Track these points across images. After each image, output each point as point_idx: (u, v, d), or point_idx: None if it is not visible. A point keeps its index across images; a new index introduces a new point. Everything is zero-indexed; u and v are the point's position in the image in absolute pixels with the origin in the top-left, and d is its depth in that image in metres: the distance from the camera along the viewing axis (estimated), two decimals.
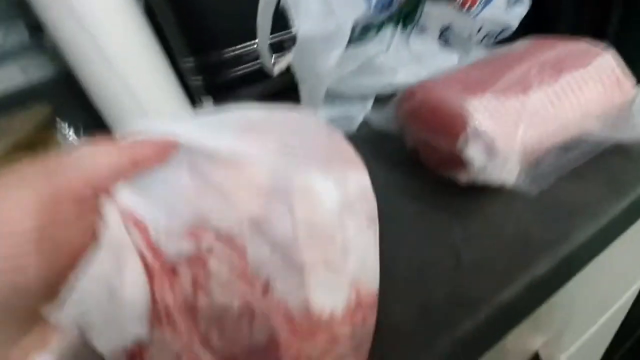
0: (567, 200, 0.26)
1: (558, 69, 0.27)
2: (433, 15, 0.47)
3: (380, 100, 0.49)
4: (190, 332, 0.15)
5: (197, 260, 0.15)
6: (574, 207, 0.25)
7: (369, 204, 0.18)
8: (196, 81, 0.59)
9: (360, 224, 0.18)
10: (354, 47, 0.44)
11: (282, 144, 0.18)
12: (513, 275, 0.22)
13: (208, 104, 0.61)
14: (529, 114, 0.25)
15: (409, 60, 0.48)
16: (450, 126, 0.26)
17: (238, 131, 0.18)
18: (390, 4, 0.38)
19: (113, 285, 0.14)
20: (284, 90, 0.60)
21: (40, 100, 0.62)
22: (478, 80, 0.28)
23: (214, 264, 0.15)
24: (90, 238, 0.14)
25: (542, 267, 0.22)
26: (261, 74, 0.58)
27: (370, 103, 0.47)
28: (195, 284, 0.15)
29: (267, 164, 0.17)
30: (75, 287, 0.13)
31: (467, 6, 0.43)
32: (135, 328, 0.14)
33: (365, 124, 0.41)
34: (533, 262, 0.22)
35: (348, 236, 0.17)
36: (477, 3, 0.42)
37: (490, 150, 0.24)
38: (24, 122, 0.55)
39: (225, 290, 0.15)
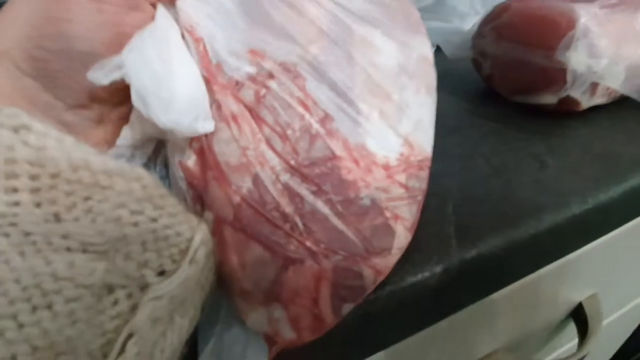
0: None
1: None
2: None
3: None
4: (255, 134, 0.15)
5: (260, 81, 0.15)
6: None
7: (428, 75, 0.18)
8: None
9: (419, 89, 0.18)
10: None
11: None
12: (606, 183, 0.21)
13: None
14: (638, 30, 0.24)
15: (481, 10, 0.46)
16: (552, 33, 0.24)
17: None
18: None
19: (162, 73, 0.14)
20: None
21: None
22: None
23: (275, 86, 0.15)
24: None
25: (636, 180, 0.21)
26: None
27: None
28: (258, 98, 0.15)
29: (330, 11, 0.17)
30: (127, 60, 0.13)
31: None
32: (196, 121, 0.14)
33: (436, 54, 0.40)
34: (627, 175, 0.21)
35: (405, 97, 0.17)
36: None
37: (597, 52, 0.22)
38: None
39: (286, 111, 0.15)
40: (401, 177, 0.16)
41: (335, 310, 0.14)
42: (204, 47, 0.15)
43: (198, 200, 0.15)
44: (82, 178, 0.09)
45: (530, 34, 0.27)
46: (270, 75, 0.15)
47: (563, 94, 0.25)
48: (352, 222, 0.15)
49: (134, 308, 0.10)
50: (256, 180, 0.14)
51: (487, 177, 0.22)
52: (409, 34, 0.18)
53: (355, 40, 0.17)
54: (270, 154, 0.15)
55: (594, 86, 0.24)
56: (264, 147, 0.15)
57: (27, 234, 0.08)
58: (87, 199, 0.09)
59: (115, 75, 0.13)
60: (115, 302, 0.10)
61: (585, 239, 0.21)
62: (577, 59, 0.23)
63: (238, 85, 0.15)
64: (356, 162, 0.15)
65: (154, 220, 0.11)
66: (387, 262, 0.15)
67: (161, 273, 0.11)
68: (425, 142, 0.17)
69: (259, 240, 0.14)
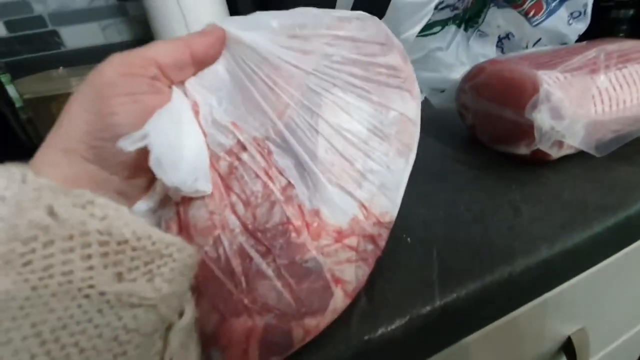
0: (622, 178, 0.27)
1: (624, 59, 0.29)
2: (494, 23, 0.50)
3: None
4: (222, 200, 0.17)
5: (234, 152, 0.18)
6: (629, 183, 0.27)
7: (406, 133, 0.20)
8: None
9: (388, 152, 0.19)
10: (419, 39, 0.47)
11: (325, 54, 0.19)
12: (572, 229, 0.23)
13: None
14: (594, 92, 0.27)
15: (467, 60, 0.51)
16: (520, 95, 0.28)
17: (286, 34, 0.19)
18: None
19: (174, 142, 0.17)
20: None
21: None
22: (547, 60, 0.30)
23: (245, 158, 0.18)
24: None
25: (600, 226, 0.24)
26: None
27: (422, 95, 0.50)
28: (231, 170, 0.18)
29: (302, 76, 0.19)
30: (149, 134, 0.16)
31: (531, 14, 0.45)
32: (196, 181, 0.17)
33: (425, 103, 0.44)
34: (592, 221, 0.24)
35: (368, 164, 0.19)
36: (542, 12, 0.44)
37: (558, 114, 0.26)
38: None
39: (252, 180, 0.18)
40: (352, 241, 0.18)
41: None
42: (199, 120, 0.18)
43: None
44: (146, 246, 0.12)
45: (502, 93, 0.30)
46: (243, 148, 0.18)
47: (534, 147, 0.28)
48: (290, 283, 0.16)
49: (165, 342, 0.12)
50: (216, 241, 0.17)
51: (467, 223, 0.25)
52: (389, 94, 0.20)
53: (325, 107, 0.19)
54: (232, 219, 0.17)
55: (560, 141, 0.27)
56: (228, 212, 0.17)
57: (102, 294, 0.11)
58: (147, 263, 0.12)
59: (140, 144, 0.16)
60: (155, 341, 0.12)
61: (556, 280, 0.24)
62: (541, 119, 0.26)
63: (215, 157, 0.18)
64: (308, 226, 0.17)
65: (189, 279, 0.14)
66: (319, 322, 0.17)
67: (181, 314, 0.13)
68: (386, 205, 0.19)
69: (206, 295, 0.16)
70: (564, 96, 0.26)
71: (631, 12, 0.58)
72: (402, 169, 0.20)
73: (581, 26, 0.46)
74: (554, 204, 0.26)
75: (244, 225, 0.17)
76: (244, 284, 0.16)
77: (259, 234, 0.17)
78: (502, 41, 0.53)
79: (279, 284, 0.16)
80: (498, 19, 0.50)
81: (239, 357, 0.16)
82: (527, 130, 0.28)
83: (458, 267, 0.21)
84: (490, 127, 0.33)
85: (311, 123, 0.18)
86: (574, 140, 0.25)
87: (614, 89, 0.28)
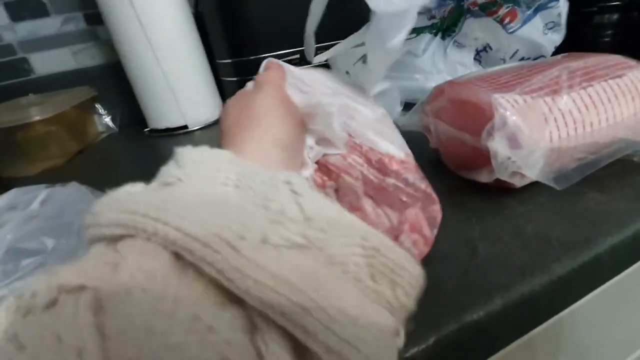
0: (591, 208, 0.25)
1: (590, 77, 0.27)
2: (472, 35, 0.49)
3: (409, 105, 0.50)
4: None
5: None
6: (598, 215, 0.24)
7: (391, 124, 0.30)
8: (231, 80, 0.62)
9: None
10: None
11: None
12: (530, 272, 0.21)
13: None
14: (556, 115, 0.25)
15: (444, 67, 0.49)
16: (477, 120, 0.26)
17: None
18: None
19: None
20: None
21: (85, 85, 0.66)
22: (507, 80, 0.28)
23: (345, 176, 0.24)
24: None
25: (562, 268, 0.21)
26: None
27: (399, 105, 0.48)
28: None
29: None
30: None
31: (507, 20, 0.44)
32: None
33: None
34: (553, 262, 0.21)
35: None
36: (517, 19, 0.43)
37: (515, 142, 0.24)
38: (70, 97, 0.58)
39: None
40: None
41: (431, 232, 0.23)
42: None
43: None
44: (392, 255, 0.13)
45: (460, 118, 0.28)
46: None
47: (494, 177, 0.26)
48: (409, 192, 0.24)
49: None
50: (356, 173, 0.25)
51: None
52: (369, 101, 0.31)
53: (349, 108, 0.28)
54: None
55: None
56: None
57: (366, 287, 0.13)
58: (392, 272, 0.13)
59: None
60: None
61: (514, 332, 0.21)
62: (497, 148, 0.24)
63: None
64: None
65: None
66: (438, 208, 0.24)
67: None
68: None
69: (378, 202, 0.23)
70: (522, 122, 0.24)
71: (615, 16, 0.57)
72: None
73: (557, 37, 0.44)
74: (515, 242, 0.23)
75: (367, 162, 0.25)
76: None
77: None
78: (480, 54, 0.51)
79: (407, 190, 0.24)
80: (475, 30, 0.48)
81: (418, 232, 0.22)
82: (487, 157, 0.26)
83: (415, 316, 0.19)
84: (453, 152, 0.31)
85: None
86: (532, 171, 0.23)
87: (579, 111, 0.26)
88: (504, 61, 0.50)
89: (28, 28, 0.64)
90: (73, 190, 0.29)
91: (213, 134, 0.60)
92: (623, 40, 0.55)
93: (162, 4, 0.54)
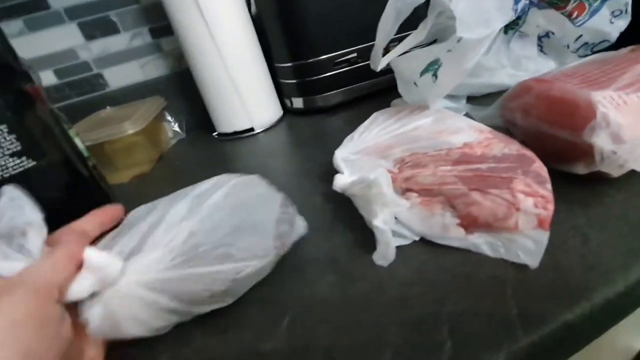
0: None
1: None
2: (534, 22, 0.49)
3: (476, 98, 0.52)
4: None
5: None
6: None
7: None
8: (290, 82, 0.65)
9: None
10: None
11: None
12: None
13: (297, 103, 0.67)
14: None
15: (507, 63, 0.50)
16: (573, 116, 0.28)
17: None
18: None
19: None
20: (365, 94, 0.64)
21: (153, 95, 0.71)
22: (596, 77, 0.30)
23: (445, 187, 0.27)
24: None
25: None
26: (347, 79, 0.63)
27: (464, 100, 0.50)
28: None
29: None
30: None
31: (574, 15, 0.44)
32: None
33: None
34: None
35: None
36: (585, 12, 0.43)
37: (618, 137, 0.26)
38: (147, 108, 0.63)
39: None
40: None
41: (545, 188, 0.26)
42: None
43: None
44: None
45: (554, 114, 0.30)
46: None
47: (594, 169, 0.28)
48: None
49: None
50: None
51: None
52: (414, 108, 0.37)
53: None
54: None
55: None
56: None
57: None
58: None
59: None
60: None
61: (634, 309, 0.24)
62: (601, 144, 0.26)
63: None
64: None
65: None
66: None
67: None
68: None
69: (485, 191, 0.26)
70: (622, 118, 0.26)
71: None
72: None
73: (622, 23, 0.45)
74: (622, 227, 0.26)
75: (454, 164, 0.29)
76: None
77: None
78: (542, 40, 0.52)
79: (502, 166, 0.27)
80: (538, 19, 0.49)
81: (534, 195, 0.25)
82: (585, 151, 0.28)
83: (535, 304, 0.22)
84: (543, 146, 0.33)
85: None
86: (637, 164, 0.25)
87: None
88: (567, 47, 0.50)
89: (101, 46, 0.69)
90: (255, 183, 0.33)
91: (275, 135, 0.64)
92: None
93: (229, 14, 0.58)
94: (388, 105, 0.46)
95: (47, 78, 0.68)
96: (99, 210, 0.27)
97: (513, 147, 0.29)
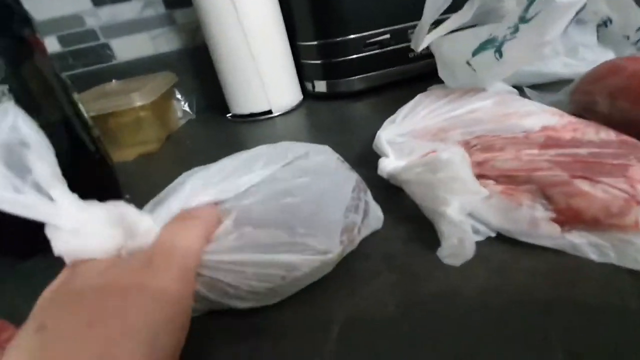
0: None
1: None
2: (592, 8, 0.45)
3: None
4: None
5: None
6: None
7: None
8: (314, 63, 0.60)
9: None
10: None
11: None
12: None
13: (320, 86, 0.62)
14: None
15: (562, 51, 0.46)
16: None
17: None
18: None
19: None
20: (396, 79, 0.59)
21: (162, 71, 0.66)
22: None
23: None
24: None
25: None
26: (376, 63, 0.58)
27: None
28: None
29: None
30: None
31: None
32: None
33: None
34: None
35: None
36: None
37: None
38: (157, 83, 0.58)
39: None
40: None
41: None
42: None
43: None
44: None
45: None
46: None
47: None
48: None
49: None
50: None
51: None
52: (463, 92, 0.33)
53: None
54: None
55: None
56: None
57: None
58: None
59: None
60: None
61: None
62: None
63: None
64: None
65: None
66: None
67: None
68: None
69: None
70: None
71: None
72: None
73: None
74: None
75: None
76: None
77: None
78: (598, 29, 0.47)
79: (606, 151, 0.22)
80: (599, 4, 0.44)
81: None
82: None
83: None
84: (635, 135, 0.28)
85: None
86: None
87: None
88: (628, 38, 0.46)
89: (110, 13, 0.64)
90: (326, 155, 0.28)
91: (293, 119, 0.58)
92: None
93: None
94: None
95: (50, 45, 0.63)
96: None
97: (610, 133, 0.24)
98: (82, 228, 0.16)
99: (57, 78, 0.31)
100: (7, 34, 0.27)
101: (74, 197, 0.17)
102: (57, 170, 0.17)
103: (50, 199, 0.16)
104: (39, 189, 0.16)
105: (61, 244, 0.16)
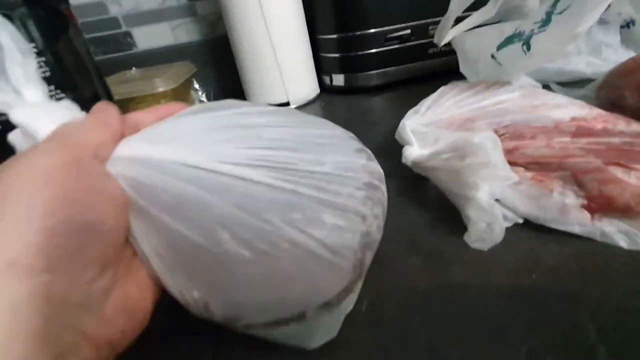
0: None
1: None
2: (616, 10, 0.44)
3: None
4: None
5: None
6: None
7: None
8: (333, 57, 0.60)
9: None
10: None
11: None
12: None
13: (338, 80, 0.62)
14: None
15: (585, 49, 0.45)
16: None
17: None
18: None
19: None
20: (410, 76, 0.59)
21: (181, 61, 0.67)
22: None
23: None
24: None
25: None
26: (396, 58, 0.58)
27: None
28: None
29: None
30: None
31: None
32: None
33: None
34: None
35: None
36: None
37: None
38: (176, 72, 0.58)
39: None
40: None
41: None
42: None
43: None
44: None
45: None
46: None
47: None
48: None
49: None
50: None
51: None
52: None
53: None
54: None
55: None
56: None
57: None
58: None
59: None
60: None
61: None
62: None
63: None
64: None
65: None
66: None
67: None
68: None
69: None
70: None
71: None
72: None
73: None
74: None
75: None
76: None
77: None
78: (620, 30, 0.47)
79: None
80: (622, 5, 0.44)
81: None
82: None
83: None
84: None
85: None
86: None
87: None
88: None
89: (133, 2, 0.65)
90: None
91: (310, 111, 0.59)
92: None
93: None
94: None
95: None
96: (162, 105, 0.21)
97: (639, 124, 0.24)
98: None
99: (89, 56, 0.32)
100: (43, 5, 0.27)
101: (41, 95, 0.18)
102: (31, 72, 0.18)
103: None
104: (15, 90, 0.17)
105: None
